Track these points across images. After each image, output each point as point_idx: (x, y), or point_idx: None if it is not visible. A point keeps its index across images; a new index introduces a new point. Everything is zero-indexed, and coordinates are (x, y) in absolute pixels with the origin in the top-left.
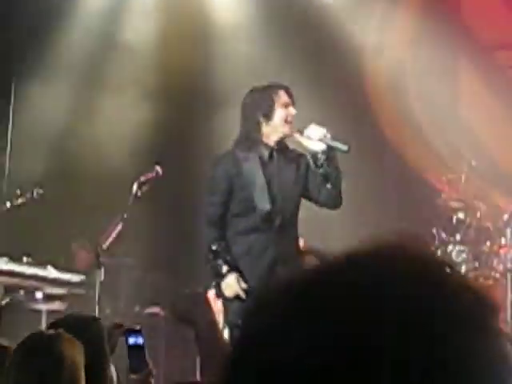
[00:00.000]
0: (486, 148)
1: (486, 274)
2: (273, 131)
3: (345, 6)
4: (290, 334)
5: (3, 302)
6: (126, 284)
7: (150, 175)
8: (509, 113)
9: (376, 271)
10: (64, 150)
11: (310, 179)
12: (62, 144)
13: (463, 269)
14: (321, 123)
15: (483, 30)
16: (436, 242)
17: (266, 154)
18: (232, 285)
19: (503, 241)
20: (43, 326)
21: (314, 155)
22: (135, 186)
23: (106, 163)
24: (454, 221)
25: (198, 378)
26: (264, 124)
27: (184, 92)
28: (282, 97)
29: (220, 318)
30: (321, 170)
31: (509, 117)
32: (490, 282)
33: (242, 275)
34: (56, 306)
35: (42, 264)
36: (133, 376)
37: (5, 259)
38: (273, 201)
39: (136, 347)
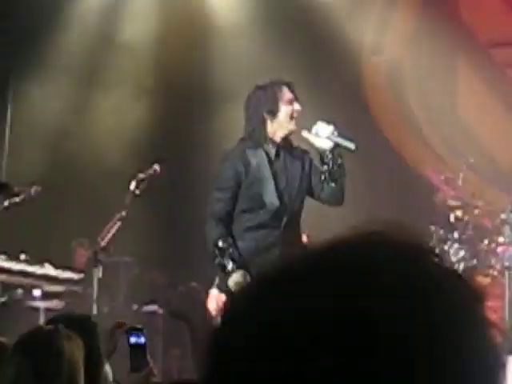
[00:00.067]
0: (483, 146)
1: (484, 272)
2: (279, 128)
3: (344, 6)
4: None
5: (1, 300)
6: (123, 282)
7: (148, 173)
8: (507, 111)
9: (358, 257)
10: (62, 149)
11: (314, 176)
12: (60, 142)
13: (461, 267)
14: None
15: (481, 29)
16: (434, 239)
17: (272, 150)
18: (240, 281)
19: (501, 239)
20: (41, 323)
21: (321, 153)
22: (133, 184)
23: (104, 162)
24: (452, 219)
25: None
26: (269, 121)
27: (183, 91)
28: (286, 93)
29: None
30: (326, 167)
31: (507, 115)
32: (488, 280)
33: (248, 272)
34: (54, 303)
35: (39, 262)
36: (133, 375)
37: (2, 257)
38: (280, 198)
39: (137, 346)
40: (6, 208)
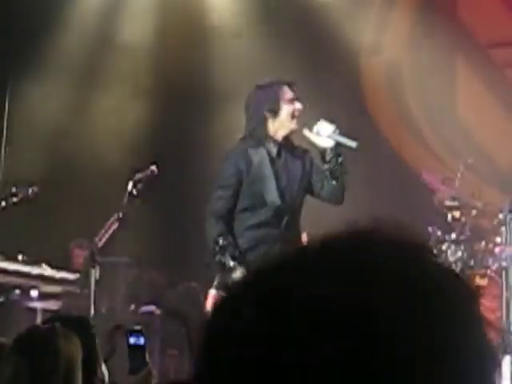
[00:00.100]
0: (483, 146)
1: (482, 273)
2: (280, 126)
3: (343, 6)
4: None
5: None
6: (121, 283)
7: (145, 174)
8: (506, 111)
9: (359, 248)
10: (61, 149)
11: (314, 175)
12: (59, 142)
13: (458, 267)
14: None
15: (481, 29)
16: (432, 240)
17: (274, 149)
18: None
19: (498, 239)
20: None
21: (323, 151)
22: (130, 184)
23: (103, 162)
24: (450, 219)
25: None
26: (271, 120)
27: (182, 91)
28: (287, 92)
29: None
30: (327, 166)
31: (506, 115)
32: (485, 280)
33: (249, 269)
34: (51, 304)
35: (37, 262)
36: (132, 376)
37: (0, 257)
38: (282, 196)
39: (136, 347)
40: (3, 208)
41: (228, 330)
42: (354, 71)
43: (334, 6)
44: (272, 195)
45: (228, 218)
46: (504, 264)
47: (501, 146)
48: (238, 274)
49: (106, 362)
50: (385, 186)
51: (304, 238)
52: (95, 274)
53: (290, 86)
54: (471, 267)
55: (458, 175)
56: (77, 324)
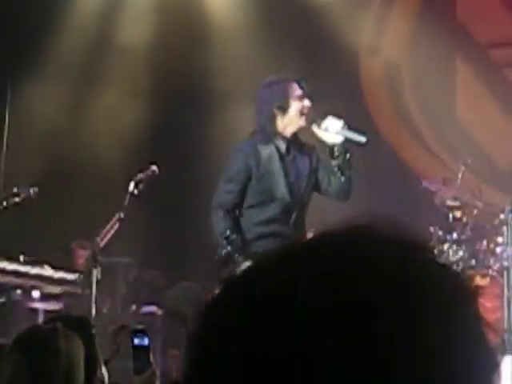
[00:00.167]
0: (482, 146)
1: (483, 273)
2: (289, 123)
3: (342, 6)
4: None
5: (0, 301)
6: (122, 283)
7: (146, 174)
8: (505, 111)
9: (354, 250)
10: (60, 149)
11: (320, 171)
12: (59, 143)
13: (460, 267)
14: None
15: (480, 29)
16: (433, 240)
17: (283, 146)
18: None
19: (500, 239)
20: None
21: (331, 147)
22: (132, 185)
23: (102, 162)
24: (451, 219)
25: None
26: (280, 116)
27: (182, 91)
28: (296, 89)
29: None
30: (335, 162)
31: (505, 115)
32: (487, 280)
33: None
34: (53, 305)
35: (38, 263)
36: (136, 376)
37: (1, 258)
38: (290, 192)
39: (140, 348)
40: (5, 208)
41: (228, 323)
42: (354, 71)
43: (333, 6)
44: (281, 191)
45: (234, 212)
46: (505, 264)
47: (500, 145)
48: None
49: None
50: (385, 187)
51: (310, 236)
52: (97, 274)
53: (298, 83)
54: (472, 267)
55: (459, 175)
56: (77, 324)
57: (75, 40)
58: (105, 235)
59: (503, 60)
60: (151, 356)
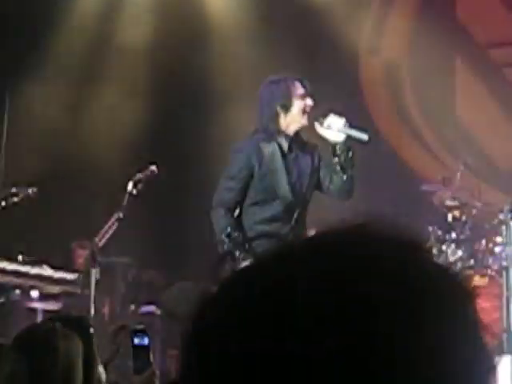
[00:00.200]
0: (482, 146)
1: (482, 272)
2: (292, 122)
3: (342, 7)
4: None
5: None
6: (121, 283)
7: (145, 174)
8: (504, 111)
9: (358, 242)
10: (60, 149)
11: (322, 170)
12: (58, 143)
13: (459, 267)
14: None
15: (479, 29)
16: (432, 240)
17: (285, 144)
18: None
19: (499, 239)
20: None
21: (333, 145)
22: (130, 185)
23: (102, 162)
24: (450, 219)
25: None
26: (282, 115)
27: (182, 91)
28: (299, 88)
29: None
30: (337, 160)
31: (505, 115)
32: (486, 280)
33: None
34: (52, 305)
35: (37, 262)
36: (136, 376)
37: (0, 258)
38: (293, 191)
39: (140, 347)
40: (3, 208)
41: (227, 322)
42: (354, 71)
43: (333, 6)
44: (283, 190)
45: (235, 211)
46: (504, 263)
47: (500, 145)
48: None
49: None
50: (385, 186)
51: (310, 234)
52: (96, 274)
53: (301, 82)
54: (471, 267)
55: (458, 175)
56: (76, 324)
57: (75, 40)
58: (103, 235)
59: (503, 60)
60: (151, 356)
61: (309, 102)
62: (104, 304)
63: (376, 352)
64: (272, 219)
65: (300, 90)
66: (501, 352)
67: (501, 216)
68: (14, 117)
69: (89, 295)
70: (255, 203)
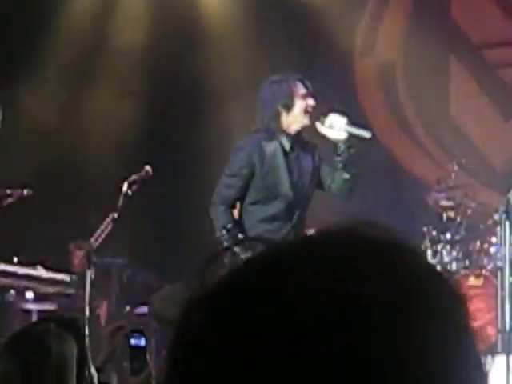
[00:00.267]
0: (476, 146)
1: (477, 273)
2: (293, 121)
3: (337, 6)
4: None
5: None
6: (116, 284)
7: (140, 175)
8: (499, 111)
9: (347, 243)
10: (54, 150)
11: (324, 169)
12: (52, 143)
13: (454, 267)
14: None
15: (473, 29)
16: (426, 240)
17: (287, 143)
18: None
19: (494, 239)
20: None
21: (335, 144)
22: (125, 186)
23: (96, 163)
24: (445, 219)
25: None
26: (284, 114)
27: (177, 92)
28: (301, 88)
29: None
30: (340, 158)
31: (499, 115)
32: (481, 280)
33: None
34: (46, 305)
35: (32, 264)
36: (133, 377)
37: None
38: (294, 190)
39: (137, 348)
40: None
41: (211, 322)
42: (348, 71)
43: (328, 7)
44: (285, 188)
45: (234, 208)
46: (499, 264)
47: (494, 145)
48: None
49: (106, 362)
50: (379, 187)
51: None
52: (90, 274)
53: (302, 81)
54: (466, 267)
55: (453, 175)
56: (69, 324)
57: (71, 40)
58: (98, 236)
59: (497, 60)
60: (148, 357)
61: (310, 101)
62: (99, 305)
63: (365, 352)
64: (273, 218)
65: (302, 90)
66: (495, 352)
67: (496, 216)
68: (8, 117)
69: (84, 296)
70: (256, 202)
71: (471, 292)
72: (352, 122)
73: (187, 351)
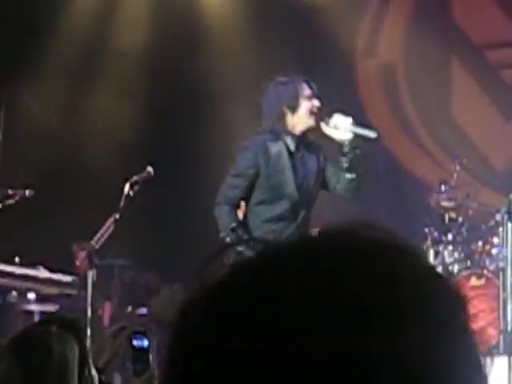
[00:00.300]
0: (477, 147)
1: (479, 273)
2: (298, 122)
3: (339, 7)
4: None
5: None
6: (118, 285)
7: (142, 175)
8: (500, 112)
9: (330, 252)
10: (55, 150)
11: (329, 169)
12: (54, 144)
13: (455, 268)
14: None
15: (475, 30)
16: (428, 241)
17: (292, 144)
18: None
19: (495, 240)
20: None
21: (340, 145)
22: (127, 186)
23: (98, 163)
24: (446, 220)
25: None
26: (289, 115)
27: (178, 92)
28: (306, 89)
29: None
30: (345, 159)
31: (500, 116)
32: (483, 281)
33: None
34: (48, 307)
35: (33, 264)
36: (136, 378)
37: None
38: (299, 190)
39: (140, 350)
40: (0, 210)
41: (210, 322)
42: (349, 72)
43: (330, 7)
44: (290, 189)
45: (238, 208)
46: (501, 264)
47: (496, 146)
48: None
49: (109, 363)
50: (381, 187)
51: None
52: (92, 275)
53: (307, 83)
54: (468, 268)
55: (454, 176)
56: (70, 325)
57: (71, 40)
58: (100, 237)
59: (498, 60)
60: (151, 358)
61: (316, 102)
62: (101, 306)
63: (365, 352)
64: (278, 218)
65: (307, 91)
66: (497, 353)
67: (497, 217)
68: (9, 118)
69: (85, 297)
70: (261, 202)
71: (473, 293)
72: (357, 122)
73: (186, 351)
